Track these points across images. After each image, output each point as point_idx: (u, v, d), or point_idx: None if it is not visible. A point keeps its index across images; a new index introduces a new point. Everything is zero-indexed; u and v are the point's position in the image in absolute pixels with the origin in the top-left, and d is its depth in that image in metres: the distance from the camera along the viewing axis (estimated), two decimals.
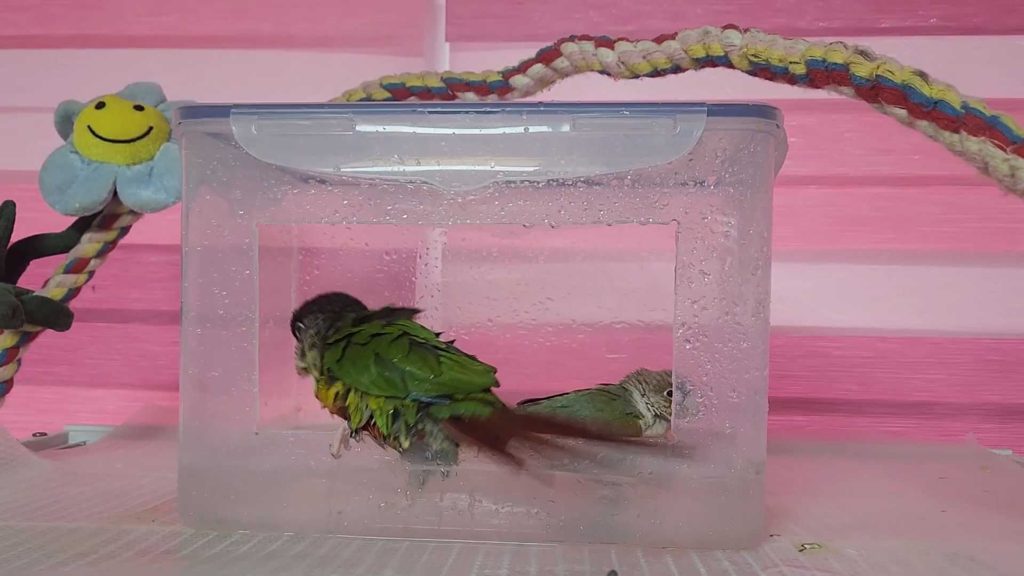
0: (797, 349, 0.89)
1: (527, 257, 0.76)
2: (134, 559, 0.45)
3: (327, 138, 0.50)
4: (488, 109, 0.49)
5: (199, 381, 0.52)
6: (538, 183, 0.50)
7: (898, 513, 0.58)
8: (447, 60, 0.96)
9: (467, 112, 0.49)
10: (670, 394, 0.60)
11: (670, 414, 0.60)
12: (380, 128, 0.49)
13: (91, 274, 0.71)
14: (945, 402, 0.88)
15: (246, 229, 0.52)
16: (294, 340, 0.56)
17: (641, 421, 0.63)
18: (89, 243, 0.70)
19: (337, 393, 0.51)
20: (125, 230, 0.71)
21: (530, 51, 0.87)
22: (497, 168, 0.49)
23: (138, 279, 0.95)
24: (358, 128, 0.49)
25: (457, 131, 0.49)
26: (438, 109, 0.49)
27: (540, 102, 0.49)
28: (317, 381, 0.54)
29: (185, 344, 0.52)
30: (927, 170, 0.88)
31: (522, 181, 0.49)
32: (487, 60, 0.94)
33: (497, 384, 0.52)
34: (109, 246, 0.71)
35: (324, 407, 0.54)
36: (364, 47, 0.95)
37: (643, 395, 0.64)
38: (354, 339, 0.52)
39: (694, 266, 0.50)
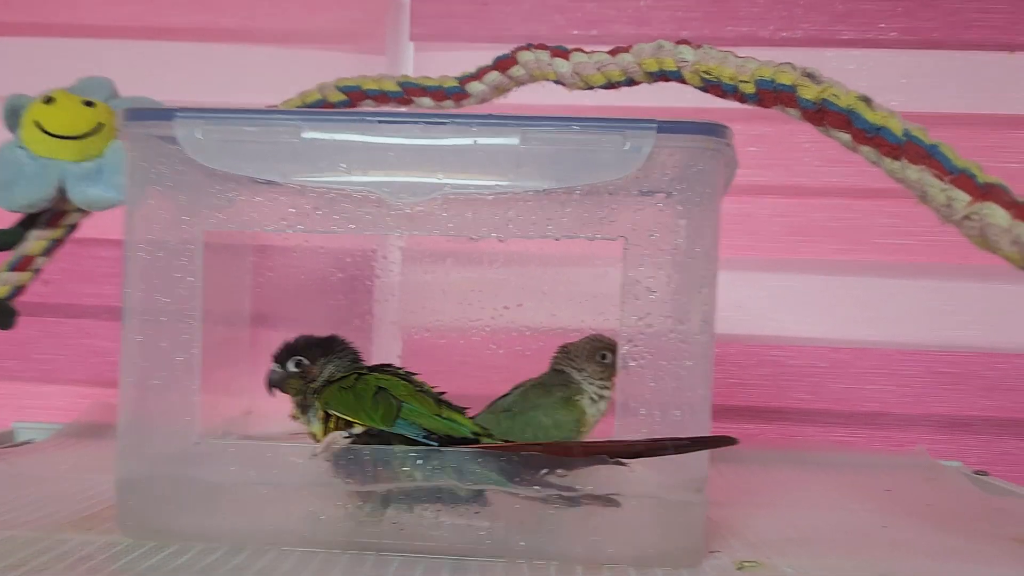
0: (751, 358, 0.90)
1: (485, 260, 0.76)
2: (65, 572, 0.44)
3: (274, 145, 0.49)
4: (438, 120, 0.49)
5: (138, 388, 0.51)
6: (486, 195, 0.49)
7: (839, 528, 0.59)
8: (411, 59, 0.95)
9: (416, 123, 0.48)
10: (603, 357, 0.63)
11: (612, 381, 0.62)
12: (328, 136, 0.49)
13: (37, 272, 0.69)
14: (895, 413, 0.89)
15: (191, 233, 0.51)
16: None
17: (585, 398, 0.63)
18: (36, 240, 0.68)
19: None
20: (73, 228, 0.69)
21: (493, 53, 0.87)
22: (445, 180, 0.49)
23: (90, 274, 0.93)
24: (305, 136, 0.49)
25: (406, 141, 0.49)
26: (387, 119, 0.49)
27: (490, 114, 0.49)
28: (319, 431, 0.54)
29: (125, 349, 0.51)
30: (883, 183, 0.88)
31: (470, 193, 0.49)
32: (451, 60, 0.94)
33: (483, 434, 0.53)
34: (56, 244, 0.69)
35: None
36: (327, 44, 0.94)
37: (579, 370, 0.65)
38: (360, 380, 0.54)
39: (640, 283, 0.50)
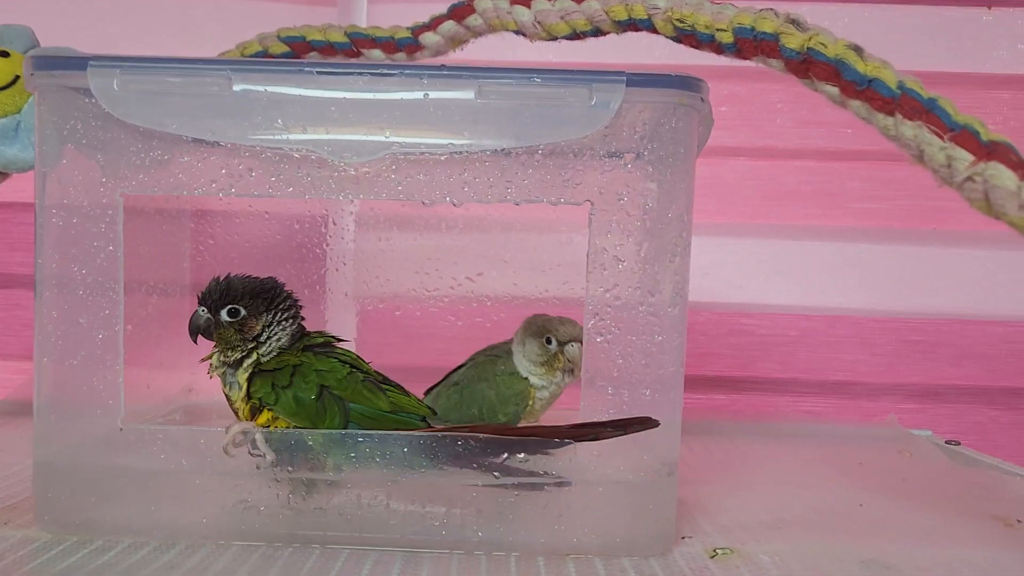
0: (720, 327, 0.87)
1: (443, 227, 0.72)
2: None
3: (201, 98, 0.44)
4: (385, 71, 0.44)
5: (55, 368, 0.46)
6: (439, 156, 0.45)
7: (815, 508, 0.56)
8: (364, 12, 0.89)
9: (360, 74, 0.44)
10: (549, 340, 0.58)
11: (559, 363, 0.57)
12: (261, 88, 0.44)
13: None
14: (866, 382, 0.87)
15: (110, 198, 0.46)
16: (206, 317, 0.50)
17: (526, 380, 0.58)
18: None
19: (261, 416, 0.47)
20: None
21: (447, 5, 0.81)
22: (393, 139, 0.44)
23: (20, 241, 0.87)
24: (236, 88, 0.44)
25: (349, 95, 0.44)
26: (328, 70, 0.44)
27: (443, 65, 0.44)
28: (237, 398, 0.49)
29: (39, 325, 0.46)
30: (857, 144, 0.86)
31: (421, 153, 0.44)
32: (408, 13, 0.88)
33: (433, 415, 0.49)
34: None
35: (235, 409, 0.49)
36: None
37: (521, 344, 0.59)
38: (298, 374, 0.47)
39: (608, 251, 0.45)
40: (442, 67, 0.44)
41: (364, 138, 0.44)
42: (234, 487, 0.46)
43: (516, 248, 0.71)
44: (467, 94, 0.43)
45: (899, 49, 0.85)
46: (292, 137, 0.44)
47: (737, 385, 0.87)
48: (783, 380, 0.87)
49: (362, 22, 0.89)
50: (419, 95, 0.44)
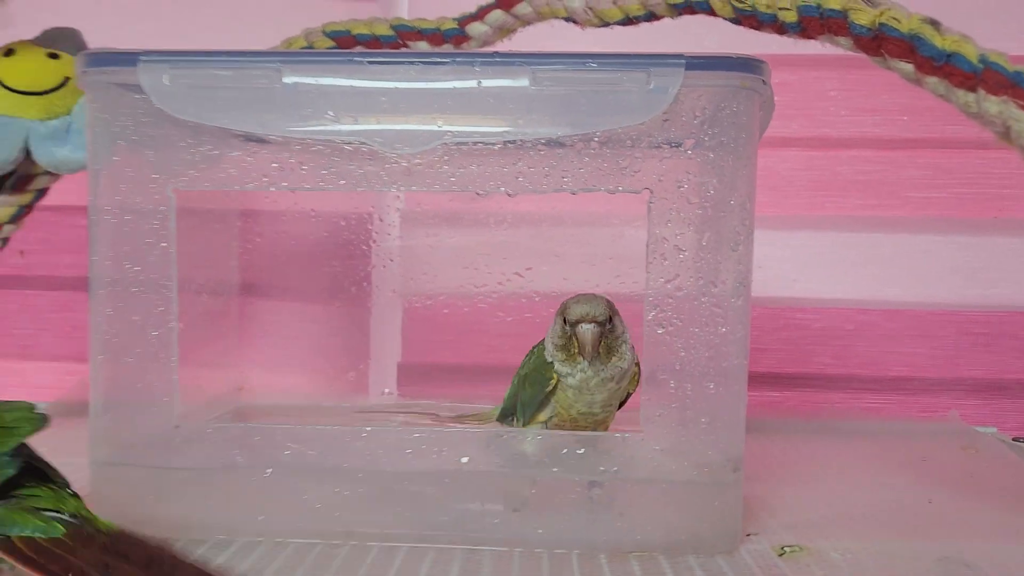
0: (773, 321, 0.85)
1: (491, 221, 0.71)
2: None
3: (251, 91, 0.43)
4: (436, 60, 0.43)
5: (110, 367, 0.46)
6: (493, 145, 0.44)
7: (882, 506, 0.54)
8: (405, 3, 0.89)
9: (412, 63, 0.43)
10: (566, 321, 0.50)
11: (574, 346, 0.49)
12: (312, 80, 0.43)
13: (5, 241, 0.64)
14: (927, 377, 0.84)
15: (161, 195, 0.46)
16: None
17: (551, 363, 0.51)
18: (2, 207, 0.63)
19: None
20: (42, 192, 0.64)
21: None
22: (446, 128, 0.43)
23: (69, 244, 0.88)
24: (286, 80, 0.43)
25: (400, 85, 0.43)
26: (379, 59, 0.43)
27: (496, 52, 0.43)
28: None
29: (94, 324, 0.46)
30: (914, 132, 0.83)
31: (475, 143, 0.43)
32: (449, 3, 0.88)
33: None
34: (25, 210, 0.64)
35: None
36: None
37: (552, 325, 0.52)
38: None
39: (668, 241, 0.44)
40: (495, 54, 0.43)
41: (416, 128, 0.43)
42: (290, 484, 0.45)
43: (567, 242, 0.69)
44: (521, 81, 0.42)
45: (984, 27, 0.83)
46: (343, 128, 0.43)
47: (791, 381, 0.85)
48: (839, 376, 0.85)
49: (404, 14, 0.89)
50: (472, 83, 0.43)
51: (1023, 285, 0.84)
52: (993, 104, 0.34)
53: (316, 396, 0.74)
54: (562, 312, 0.51)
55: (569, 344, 0.50)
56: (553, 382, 0.51)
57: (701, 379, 0.44)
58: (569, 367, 0.50)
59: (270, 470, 0.45)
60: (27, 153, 0.60)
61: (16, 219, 0.64)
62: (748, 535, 0.47)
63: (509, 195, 0.45)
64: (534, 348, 0.57)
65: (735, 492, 0.44)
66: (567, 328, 0.50)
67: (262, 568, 0.42)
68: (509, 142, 0.43)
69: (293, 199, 0.70)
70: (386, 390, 0.78)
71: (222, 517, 0.45)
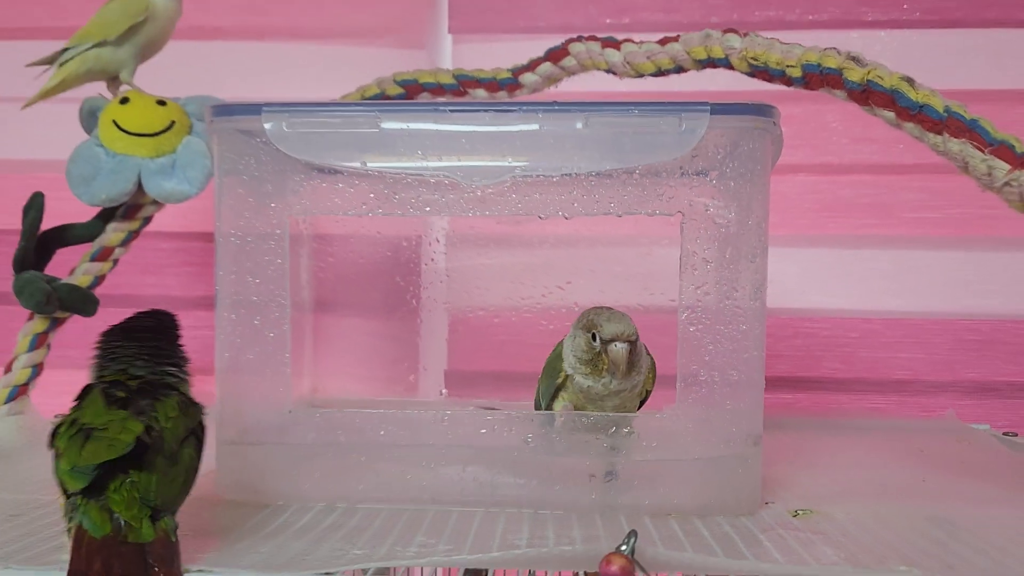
0: (785, 330, 0.93)
1: (533, 243, 0.80)
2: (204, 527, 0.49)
3: (354, 135, 0.53)
4: (506, 108, 0.53)
5: (234, 363, 0.55)
6: (552, 177, 0.53)
7: (881, 482, 0.63)
8: (449, 51, 0.99)
9: (486, 111, 0.52)
10: (594, 337, 0.54)
11: (603, 363, 0.53)
12: (404, 125, 0.53)
13: (115, 262, 0.74)
14: (925, 380, 0.93)
15: (278, 219, 0.55)
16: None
17: (561, 359, 0.56)
18: (114, 232, 0.73)
19: None
20: (147, 220, 0.74)
21: (528, 44, 0.90)
22: (514, 163, 0.52)
23: (151, 266, 0.98)
24: (383, 125, 0.53)
25: (477, 128, 0.52)
26: (459, 108, 0.53)
27: (555, 101, 0.52)
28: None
29: (220, 329, 0.55)
30: (908, 159, 0.93)
31: (537, 176, 0.53)
32: (488, 51, 0.98)
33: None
34: (132, 235, 0.74)
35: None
36: (368, 40, 0.98)
37: (572, 337, 0.56)
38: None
39: (697, 254, 0.53)
40: (554, 103, 0.52)
41: (490, 164, 0.53)
42: (385, 459, 0.54)
43: (601, 260, 0.79)
44: (576, 125, 0.52)
45: (947, 69, 0.92)
46: (430, 165, 0.53)
47: (802, 384, 0.94)
48: (846, 379, 0.93)
49: (447, 61, 0.99)
50: (535, 127, 0.52)
51: (1011, 296, 0.92)
52: (955, 144, 0.44)
53: (375, 397, 0.84)
54: (588, 327, 0.54)
55: (598, 360, 0.54)
56: (563, 375, 0.56)
57: (725, 368, 0.53)
58: (592, 380, 0.54)
59: (366, 444, 0.54)
60: (139, 186, 0.70)
61: (125, 243, 0.74)
62: (766, 503, 0.56)
63: (566, 218, 0.54)
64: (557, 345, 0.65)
65: (755, 463, 0.53)
66: (596, 344, 0.54)
67: (364, 527, 0.50)
68: (566, 174, 0.53)
69: (359, 224, 0.79)
70: (443, 391, 0.87)
71: (327, 487, 0.54)
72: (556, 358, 0.58)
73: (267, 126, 0.53)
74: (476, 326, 0.87)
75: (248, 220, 0.55)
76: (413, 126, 0.53)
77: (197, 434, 0.45)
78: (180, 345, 0.49)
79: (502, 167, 0.53)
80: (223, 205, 0.56)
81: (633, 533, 0.38)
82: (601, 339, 0.54)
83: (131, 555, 0.38)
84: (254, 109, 0.54)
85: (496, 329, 0.86)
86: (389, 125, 0.53)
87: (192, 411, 0.46)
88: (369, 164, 0.53)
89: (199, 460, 0.45)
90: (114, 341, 0.48)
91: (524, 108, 0.52)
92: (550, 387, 0.58)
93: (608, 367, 0.54)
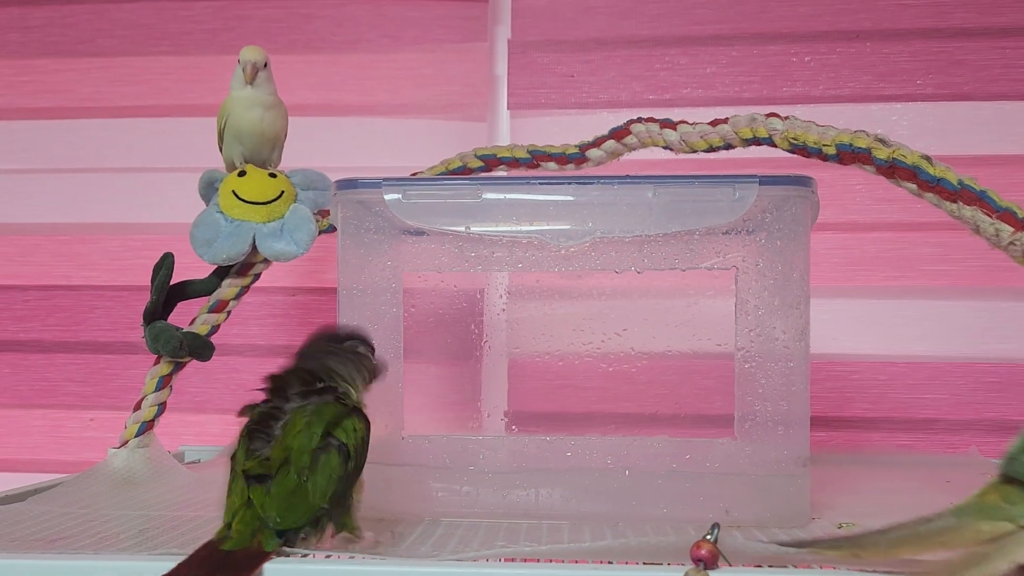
0: (818, 373, 1.02)
1: (592, 294, 0.90)
2: None
3: (460, 204, 0.63)
4: (587, 181, 0.63)
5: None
6: (626, 238, 0.63)
7: (914, 505, 0.70)
8: (507, 125, 1.10)
9: (570, 183, 0.63)
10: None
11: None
12: (503, 196, 0.63)
13: (229, 314, 0.84)
14: (949, 419, 1.01)
15: (393, 275, 0.65)
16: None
17: None
18: (229, 287, 0.83)
19: None
20: (258, 276, 0.84)
21: (580, 118, 1.02)
22: (594, 227, 0.62)
23: (236, 318, 1.07)
24: (485, 196, 0.63)
25: (562, 198, 0.63)
26: (548, 181, 0.63)
27: (628, 175, 0.63)
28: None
29: None
30: (926, 216, 1.02)
31: (614, 236, 0.63)
32: (543, 125, 1.09)
33: None
34: (244, 290, 0.84)
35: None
36: (435, 114, 1.10)
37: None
38: None
39: (750, 302, 0.63)
40: (627, 176, 0.63)
41: (574, 228, 0.63)
42: (486, 478, 0.63)
43: (652, 311, 0.88)
44: (646, 194, 0.62)
45: (957, 137, 1.03)
46: (523, 228, 0.63)
47: (835, 424, 1.02)
48: (875, 419, 1.02)
49: (506, 134, 1.10)
50: (612, 196, 0.62)
51: None
52: (967, 211, 0.54)
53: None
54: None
55: None
56: None
57: (776, 400, 0.62)
58: None
59: (471, 467, 0.63)
60: (253, 247, 0.81)
61: (238, 297, 0.84)
62: (813, 519, 0.64)
63: (638, 272, 0.64)
64: None
65: (804, 482, 0.62)
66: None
67: (472, 537, 0.59)
68: (638, 235, 0.63)
69: (439, 279, 0.89)
70: (514, 427, 0.96)
71: (436, 503, 0.63)
72: None
73: (387, 197, 0.63)
74: (537, 369, 0.97)
75: (368, 276, 0.66)
76: (510, 196, 0.63)
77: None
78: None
79: (584, 230, 0.63)
80: (345, 263, 0.66)
81: (716, 525, 0.47)
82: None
83: None
84: (375, 183, 0.64)
85: (559, 371, 0.95)
86: (490, 196, 0.63)
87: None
88: (472, 228, 0.63)
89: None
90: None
91: (602, 181, 0.62)
92: None
93: None
